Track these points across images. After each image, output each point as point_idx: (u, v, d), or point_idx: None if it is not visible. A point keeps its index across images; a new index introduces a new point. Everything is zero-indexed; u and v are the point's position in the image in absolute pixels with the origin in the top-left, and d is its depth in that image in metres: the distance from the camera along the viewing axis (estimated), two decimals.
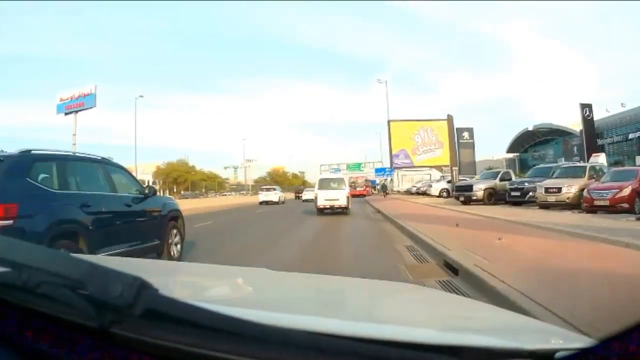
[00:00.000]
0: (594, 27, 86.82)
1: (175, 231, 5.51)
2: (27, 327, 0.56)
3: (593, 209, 9.73)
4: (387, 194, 30.47)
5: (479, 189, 15.39)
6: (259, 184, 64.48)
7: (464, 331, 0.74)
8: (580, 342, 0.56)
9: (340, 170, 49.08)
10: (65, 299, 0.53)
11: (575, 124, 38.64)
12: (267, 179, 71.05)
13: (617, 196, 9.48)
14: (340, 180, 14.35)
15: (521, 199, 13.45)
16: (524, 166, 44.22)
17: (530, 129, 49.45)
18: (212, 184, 58.96)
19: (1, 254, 0.55)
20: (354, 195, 32.72)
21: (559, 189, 11.54)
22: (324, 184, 14.20)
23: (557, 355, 0.53)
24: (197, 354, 0.50)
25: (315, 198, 14.02)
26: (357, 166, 57.12)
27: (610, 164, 22.21)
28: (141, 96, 36.47)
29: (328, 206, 13.71)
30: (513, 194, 13.99)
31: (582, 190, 10.72)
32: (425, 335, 0.59)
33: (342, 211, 13.95)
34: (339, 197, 13.73)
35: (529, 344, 0.56)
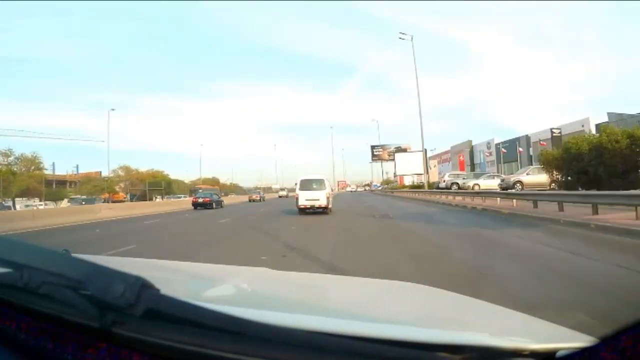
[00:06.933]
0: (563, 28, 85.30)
1: None
2: (28, 327, 0.56)
3: None
4: None
5: None
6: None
7: (465, 330, 0.74)
8: (581, 341, 0.56)
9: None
10: (67, 299, 0.53)
11: None
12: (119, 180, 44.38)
13: None
14: (320, 182, 15.05)
15: None
16: None
17: None
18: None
19: (3, 254, 0.56)
20: None
21: None
22: (305, 184, 14.87)
23: (558, 354, 0.53)
24: (198, 354, 0.50)
25: (296, 198, 14.71)
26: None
27: None
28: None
29: (309, 206, 14.46)
30: None
31: None
32: (425, 334, 0.59)
33: (323, 211, 14.36)
34: (319, 197, 14.45)
35: (530, 343, 0.56)
